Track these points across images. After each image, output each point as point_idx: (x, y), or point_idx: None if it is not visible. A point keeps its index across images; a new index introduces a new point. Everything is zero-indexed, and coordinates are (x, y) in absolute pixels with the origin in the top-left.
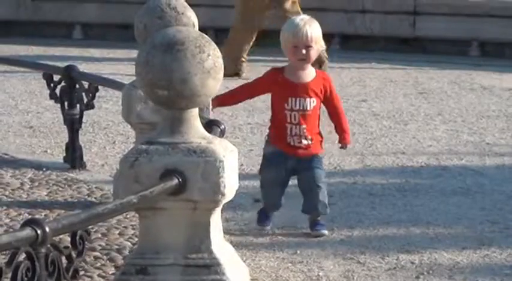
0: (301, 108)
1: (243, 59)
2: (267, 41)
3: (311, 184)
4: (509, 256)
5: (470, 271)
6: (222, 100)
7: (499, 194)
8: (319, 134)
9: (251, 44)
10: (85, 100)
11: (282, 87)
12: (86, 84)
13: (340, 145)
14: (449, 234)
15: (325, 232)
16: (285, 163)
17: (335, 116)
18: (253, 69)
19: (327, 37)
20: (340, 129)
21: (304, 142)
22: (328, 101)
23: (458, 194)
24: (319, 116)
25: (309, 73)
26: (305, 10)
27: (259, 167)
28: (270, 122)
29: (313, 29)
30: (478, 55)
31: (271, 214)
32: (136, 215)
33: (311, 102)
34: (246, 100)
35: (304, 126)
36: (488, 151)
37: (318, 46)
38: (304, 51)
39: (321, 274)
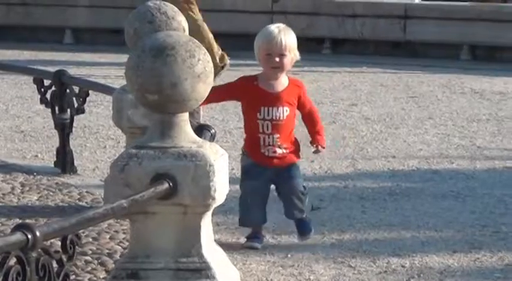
0: (274, 117)
1: None
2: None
3: (289, 192)
4: (499, 259)
5: (461, 275)
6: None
7: (489, 197)
8: (295, 142)
9: None
10: (76, 105)
11: (253, 95)
12: (76, 88)
13: (313, 148)
14: (440, 238)
15: (309, 236)
16: (264, 175)
17: (308, 119)
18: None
19: (318, 41)
20: (312, 131)
21: (279, 151)
22: (301, 106)
23: (449, 197)
24: (293, 124)
25: (282, 81)
26: (296, 14)
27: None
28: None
29: (287, 37)
30: (468, 59)
31: (259, 234)
32: (127, 219)
33: (284, 112)
34: (214, 103)
35: (277, 135)
36: (479, 155)
37: (292, 55)
38: (277, 59)
39: (311, 277)
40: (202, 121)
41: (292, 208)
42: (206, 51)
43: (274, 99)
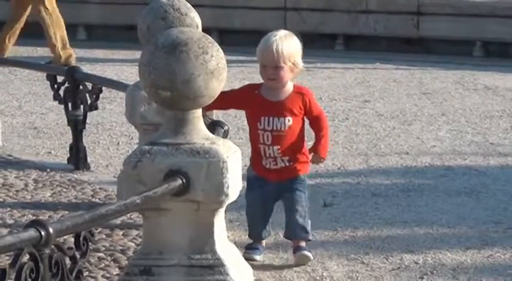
0: (275, 128)
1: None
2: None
3: (290, 207)
4: None
5: (474, 271)
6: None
7: (502, 194)
8: (302, 154)
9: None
10: (89, 101)
11: (255, 105)
12: (89, 85)
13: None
14: (453, 234)
15: (308, 254)
16: (265, 188)
17: (313, 125)
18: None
19: (331, 37)
20: (315, 138)
21: (281, 163)
22: (308, 113)
23: (462, 194)
24: (300, 135)
25: (286, 90)
26: (310, 11)
27: None
28: None
29: (285, 46)
30: (481, 55)
31: (258, 245)
32: (140, 216)
33: (285, 122)
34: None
35: (277, 147)
36: (492, 151)
37: (290, 64)
38: (272, 71)
39: (324, 274)
40: (215, 118)
41: (292, 225)
42: (219, 47)
43: (275, 109)
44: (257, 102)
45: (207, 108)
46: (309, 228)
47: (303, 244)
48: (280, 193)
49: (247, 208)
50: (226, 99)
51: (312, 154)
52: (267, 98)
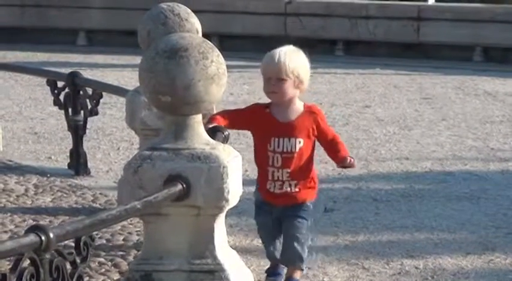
0: (285, 150)
1: None
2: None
3: (289, 233)
4: None
5: (475, 276)
6: (214, 121)
7: (503, 199)
8: (310, 179)
9: None
10: (89, 106)
11: (264, 125)
12: (89, 90)
13: (340, 165)
14: (453, 239)
15: None
16: (270, 212)
17: (331, 149)
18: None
19: (331, 43)
20: (337, 156)
21: (287, 188)
22: (322, 135)
23: (463, 199)
24: (310, 158)
25: (296, 109)
26: (310, 16)
27: None
28: None
29: (290, 60)
30: (481, 60)
31: (278, 269)
32: (141, 221)
33: (296, 143)
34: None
35: (287, 170)
36: (492, 156)
37: (294, 79)
38: (274, 83)
39: (325, 279)
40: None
41: (289, 252)
42: (219, 52)
43: (286, 130)
44: (267, 122)
45: (213, 121)
46: (305, 256)
47: (297, 275)
48: (283, 217)
49: (258, 230)
50: (235, 119)
51: (341, 162)
52: (277, 119)
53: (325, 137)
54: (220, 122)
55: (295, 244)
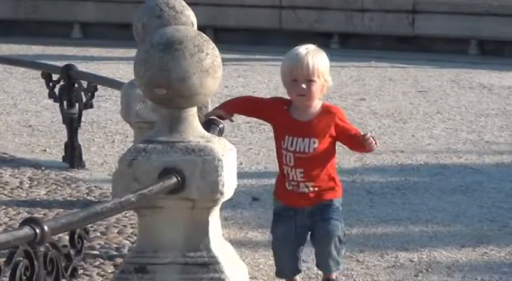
0: (298, 150)
1: None
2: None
3: (323, 239)
4: (508, 253)
5: (469, 269)
6: (229, 109)
7: (497, 192)
8: (330, 179)
9: None
10: (84, 99)
11: (280, 122)
12: (84, 83)
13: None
14: (448, 232)
15: None
16: (294, 219)
17: (352, 142)
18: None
19: (326, 36)
20: (358, 142)
21: (304, 189)
22: (342, 134)
23: (457, 192)
24: (329, 161)
25: (314, 109)
26: (305, 9)
27: (259, 166)
28: None
29: (317, 60)
30: (477, 53)
31: None
32: (135, 214)
33: (310, 144)
34: (249, 116)
35: (300, 170)
36: (487, 149)
37: (322, 80)
38: (304, 85)
39: (320, 272)
40: None
41: (325, 257)
42: (214, 45)
43: (301, 129)
44: (283, 119)
45: (229, 110)
46: (340, 259)
47: (333, 276)
48: (313, 222)
49: (274, 243)
50: (254, 107)
51: (362, 139)
52: (294, 117)
53: (346, 134)
54: (239, 106)
55: (332, 249)
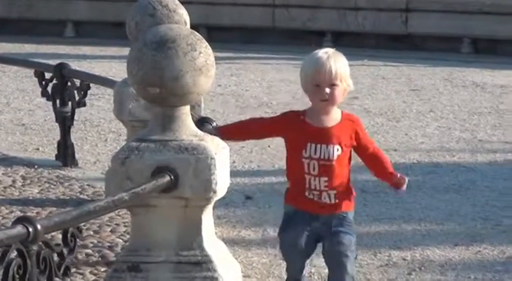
0: (322, 157)
1: None
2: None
3: (337, 255)
4: (501, 252)
5: (462, 268)
6: (229, 133)
7: (490, 190)
8: (349, 189)
9: None
10: (77, 98)
11: (300, 131)
12: (77, 81)
13: (394, 189)
14: (441, 231)
15: None
16: (308, 224)
17: (373, 162)
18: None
19: (319, 34)
20: (384, 173)
21: (325, 199)
22: (361, 147)
23: (450, 190)
24: (347, 168)
25: (334, 116)
26: (298, 7)
27: (252, 164)
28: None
29: (338, 64)
30: (470, 52)
31: None
32: (128, 212)
33: (334, 151)
34: (253, 139)
35: (325, 178)
36: (480, 148)
37: (345, 85)
38: (328, 90)
39: (313, 270)
40: (203, 114)
41: (339, 272)
42: (207, 44)
43: (323, 136)
44: (303, 128)
45: (247, 137)
46: (354, 274)
47: None
48: (322, 233)
49: (283, 245)
50: (263, 126)
51: (394, 181)
52: (314, 124)
53: (366, 149)
54: (238, 133)
55: (347, 266)
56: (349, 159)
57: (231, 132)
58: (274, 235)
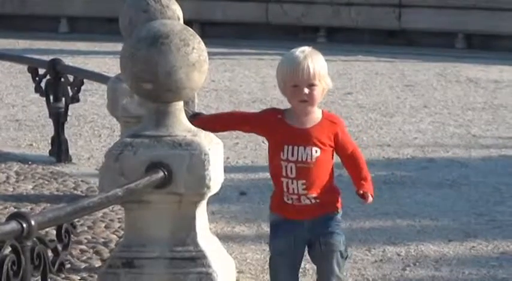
0: (300, 159)
1: None
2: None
3: (325, 255)
4: (495, 247)
5: (457, 263)
6: (203, 122)
7: (484, 186)
8: (332, 189)
9: None
10: (70, 93)
11: (278, 131)
12: (71, 77)
13: (359, 196)
14: (435, 226)
15: None
16: (293, 232)
17: (350, 164)
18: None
19: (313, 30)
20: (356, 178)
21: (305, 202)
22: (341, 148)
23: (444, 186)
24: (329, 171)
25: (314, 116)
26: (292, 3)
27: (246, 160)
28: None
29: (316, 63)
30: (464, 47)
31: None
32: (122, 208)
33: (312, 153)
34: (231, 130)
35: (302, 181)
36: (474, 143)
37: (323, 84)
38: (306, 90)
39: (307, 266)
40: (197, 110)
41: (328, 275)
42: (201, 39)
43: (301, 137)
44: (280, 129)
45: (220, 127)
46: (342, 275)
47: None
48: (312, 235)
49: (273, 259)
50: (244, 119)
51: (361, 192)
52: (292, 125)
53: (345, 150)
54: (216, 124)
55: (334, 266)
56: (331, 161)
57: (207, 123)
58: (269, 231)
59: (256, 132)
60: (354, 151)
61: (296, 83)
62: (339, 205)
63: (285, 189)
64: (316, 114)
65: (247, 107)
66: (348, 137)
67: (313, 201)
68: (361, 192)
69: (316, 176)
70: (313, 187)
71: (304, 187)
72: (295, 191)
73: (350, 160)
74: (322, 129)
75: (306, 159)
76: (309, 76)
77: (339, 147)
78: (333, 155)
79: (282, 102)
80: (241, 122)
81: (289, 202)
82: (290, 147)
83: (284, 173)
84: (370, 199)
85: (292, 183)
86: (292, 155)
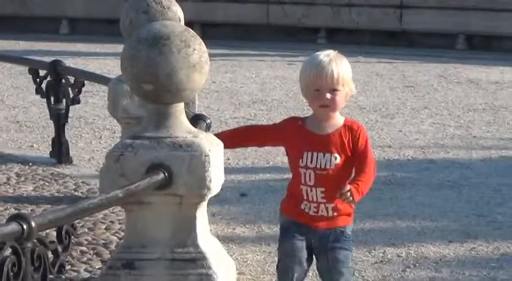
0: (319, 166)
1: None
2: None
3: (332, 272)
4: (495, 249)
5: (457, 264)
6: (221, 140)
7: (485, 187)
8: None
9: None
10: (71, 95)
11: (298, 138)
12: (72, 79)
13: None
14: (435, 227)
15: None
16: (305, 236)
17: (356, 164)
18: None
19: (313, 31)
20: (353, 180)
21: (322, 212)
22: (356, 155)
23: (445, 187)
24: (349, 177)
25: (335, 122)
26: (292, 4)
27: (246, 161)
28: None
29: (340, 68)
30: (464, 48)
31: None
32: (123, 209)
33: (332, 159)
34: (252, 147)
35: (321, 189)
36: (475, 144)
37: (347, 89)
38: (328, 95)
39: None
40: (197, 111)
41: None
42: (201, 41)
43: (320, 143)
44: (300, 136)
45: (238, 144)
46: None
47: None
48: (317, 247)
49: (282, 261)
50: (264, 135)
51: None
52: (312, 131)
53: (357, 156)
54: (234, 141)
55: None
56: (351, 169)
57: (225, 141)
58: (269, 232)
59: (277, 145)
60: (364, 153)
61: (318, 88)
62: (351, 220)
63: (305, 196)
64: (337, 120)
65: (247, 108)
66: (364, 145)
67: (330, 213)
68: (347, 188)
69: (335, 184)
70: (332, 195)
71: (323, 195)
72: (315, 199)
73: (359, 165)
74: (343, 135)
75: (325, 166)
76: (332, 81)
77: (355, 154)
78: (353, 164)
79: (282, 104)
80: (261, 138)
81: (306, 210)
82: (310, 153)
83: (303, 181)
84: (349, 198)
85: (312, 191)
86: (311, 161)
